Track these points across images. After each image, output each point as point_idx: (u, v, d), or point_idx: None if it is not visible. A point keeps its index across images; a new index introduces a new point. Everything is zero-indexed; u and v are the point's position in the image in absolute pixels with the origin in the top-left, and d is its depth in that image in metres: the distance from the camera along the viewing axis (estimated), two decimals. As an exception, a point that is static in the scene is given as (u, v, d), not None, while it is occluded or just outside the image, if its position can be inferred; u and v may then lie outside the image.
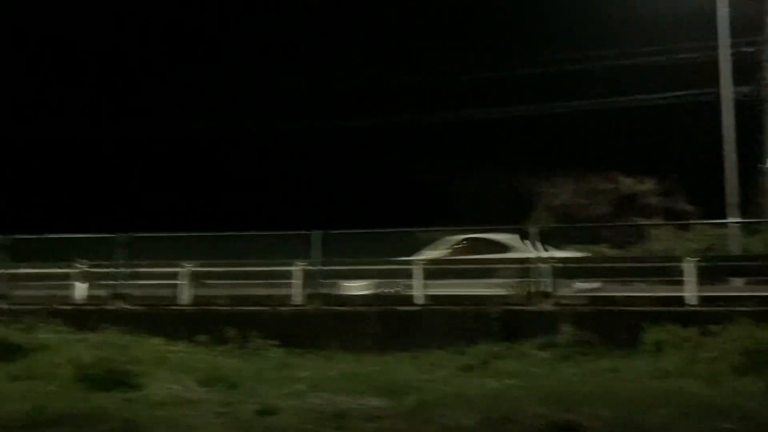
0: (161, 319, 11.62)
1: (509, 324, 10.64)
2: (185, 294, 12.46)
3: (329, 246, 12.37)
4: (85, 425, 5.96)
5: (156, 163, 25.48)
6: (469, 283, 11.99)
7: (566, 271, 11.72)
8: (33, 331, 10.94)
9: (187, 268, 12.55)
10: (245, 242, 13.28)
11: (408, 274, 11.91)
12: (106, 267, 13.12)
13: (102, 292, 12.88)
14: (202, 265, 12.75)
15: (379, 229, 13.74)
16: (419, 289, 11.65)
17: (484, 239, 13.20)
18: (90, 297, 12.86)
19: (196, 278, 12.60)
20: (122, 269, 12.91)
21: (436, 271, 12.11)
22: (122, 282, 12.81)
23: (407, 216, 17.64)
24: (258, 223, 14.94)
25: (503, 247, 12.86)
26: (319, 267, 12.22)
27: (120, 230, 13.04)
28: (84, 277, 12.97)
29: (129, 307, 12.32)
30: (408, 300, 11.64)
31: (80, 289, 12.95)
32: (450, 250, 13.20)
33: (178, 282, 12.55)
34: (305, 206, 21.28)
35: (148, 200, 23.01)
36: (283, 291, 12.23)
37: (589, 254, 13.72)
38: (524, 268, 11.72)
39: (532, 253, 11.95)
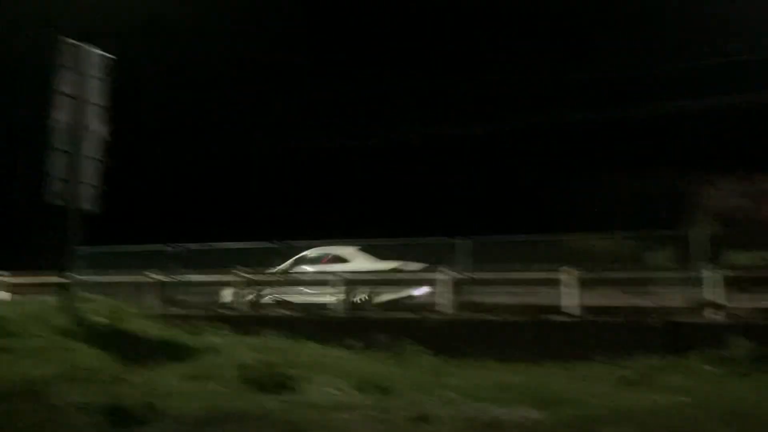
0: (316, 325, 12.07)
1: (672, 336, 9.99)
2: (338, 301, 12.86)
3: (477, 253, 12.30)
4: (253, 425, 6.26)
5: (306, 174, 26.49)
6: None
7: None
8: (201, 334, 11.75)
9: (341, 276, 12.97)
10: (392, 250, 13.51)
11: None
12: (265, 274, 13.90)
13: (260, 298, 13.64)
14: (353, 273, 13.11)
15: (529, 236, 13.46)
16: (572, 300, 11.26)
17: (325, 252, 14.70)
18: (253, 303, 13.65)
19: (348, 285, 12.97)
20: (278, 277, 13.60)
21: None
22: (279, 288, 13.49)
23: (555, 222, 17.06)
24: (404, 229, 15.08)
25: (343, 260, 14.25)
26: (469, 275, 12.18)
27: (278, 239, 13.79)
28: (247, 284, 13.79)
29: (286, 312, 12.92)
30: (560, 310, 11.27)
31: (234, 294, 13.76)
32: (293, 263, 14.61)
33: (331, 290, 13.00)
34: (450, 212, 21.18)
35: (303, 210, 23.95)
36: (432, 299, 12.31)
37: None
38: (687, 278, 11.01)
39: (366, 265, 13.68)
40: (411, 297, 13.00)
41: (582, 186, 21.80)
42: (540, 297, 11.93)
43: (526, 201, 22.24)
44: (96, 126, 12.65)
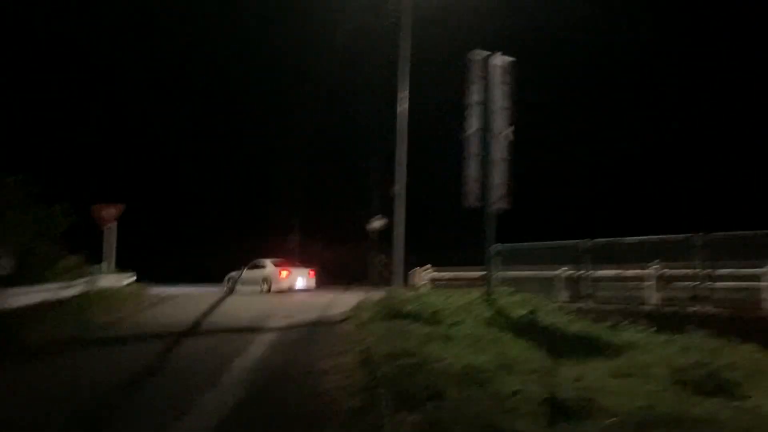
0: (748, 324, 10.74)
1: None
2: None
3: None
4: (700, 431, 5.76)
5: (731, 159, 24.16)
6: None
7: None
8: (617, 330, 11.45)
9: (775, 268, 11.37)
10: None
11: None
12: (683, 268, 12.90)
13: (679, 294, 12.70)
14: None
15: None
16: None
17: (258, 262, 23.58)
18: (666, 299, 12.84)
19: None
20: (700, 270, 12.47)
21: None
22: (700, 284, 12.39)
23: None
24: None
25: (263, 266, 23.25)
26: None
27: (695, 231, 12.63)
28: (658, 279, 13.04)
29: (711, 309, 11.81)
30: None
31: (655, 291, 13.06)
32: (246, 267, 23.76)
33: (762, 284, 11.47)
34: None
35: (726, 198, 21.87)
36: None
37: None
38: None
39: (270, 269, 23.08)
40: (292, 288, 22.53)
41: None
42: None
43: None
44: (503, 128, 13.39)
